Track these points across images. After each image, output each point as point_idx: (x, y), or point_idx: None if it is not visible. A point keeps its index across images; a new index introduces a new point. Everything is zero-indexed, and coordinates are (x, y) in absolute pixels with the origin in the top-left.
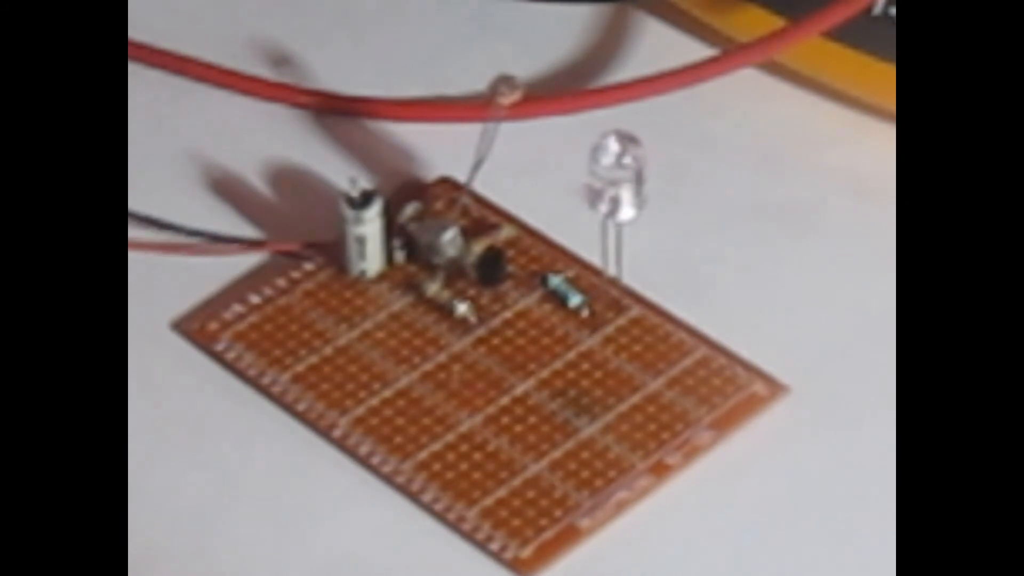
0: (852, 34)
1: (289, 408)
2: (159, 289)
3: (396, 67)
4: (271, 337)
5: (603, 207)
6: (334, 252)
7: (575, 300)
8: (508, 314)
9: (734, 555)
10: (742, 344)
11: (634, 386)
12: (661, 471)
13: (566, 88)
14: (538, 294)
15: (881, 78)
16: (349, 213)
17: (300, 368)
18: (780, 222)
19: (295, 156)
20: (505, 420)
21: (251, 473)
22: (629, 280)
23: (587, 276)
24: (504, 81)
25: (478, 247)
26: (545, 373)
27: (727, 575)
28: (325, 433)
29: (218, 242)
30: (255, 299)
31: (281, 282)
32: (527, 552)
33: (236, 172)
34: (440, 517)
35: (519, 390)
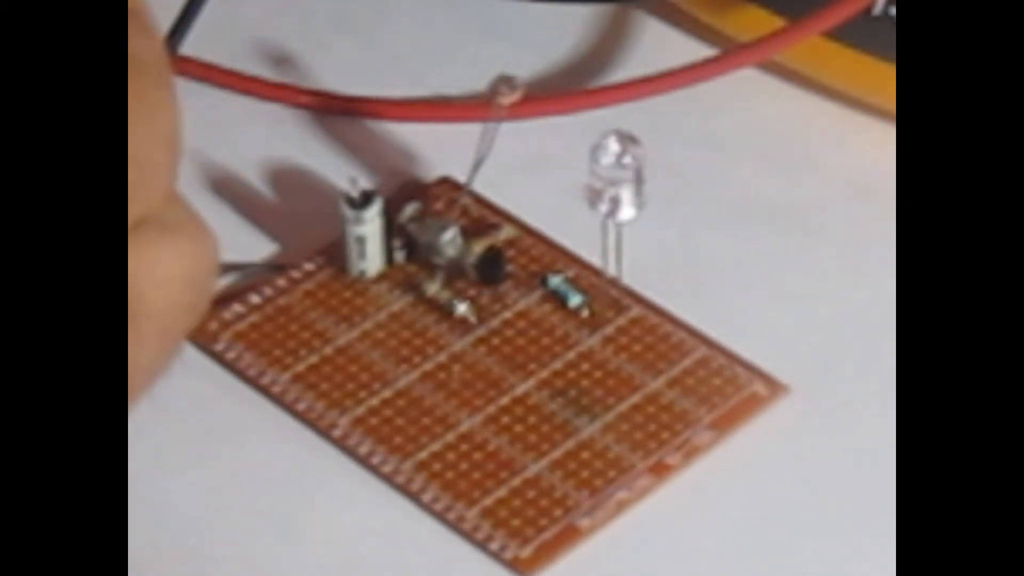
0: (852, 34)
1: (289, 408)
2: None
3: (396, 67)
4: (271, 337)
5: (603, 207)
6: (334, 252)
7: (575, 300)
8: (508, 314)
9: (734, 555)
10: (742, 344)
11: (634, 386)
12: (661, 471)
13: (566, 88)
14: (538, 294)
15: (881, 78)
16: (349, 213)
17: (300, 368)
18: (780, 222)
19: (295, 156)
20: (505, 420)
21: (251, 473)
22: (629, 280)
23: (587, 276)
24: (504, 81)
25: (478, 247)
26: (545, 373)
27: (727, 575)
28: (325, 433)
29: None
30: (255, 299)
31: (281, 282)
32: (527, 552)
33: (236, 172)
34: (440, 517)
35: (519, 390)
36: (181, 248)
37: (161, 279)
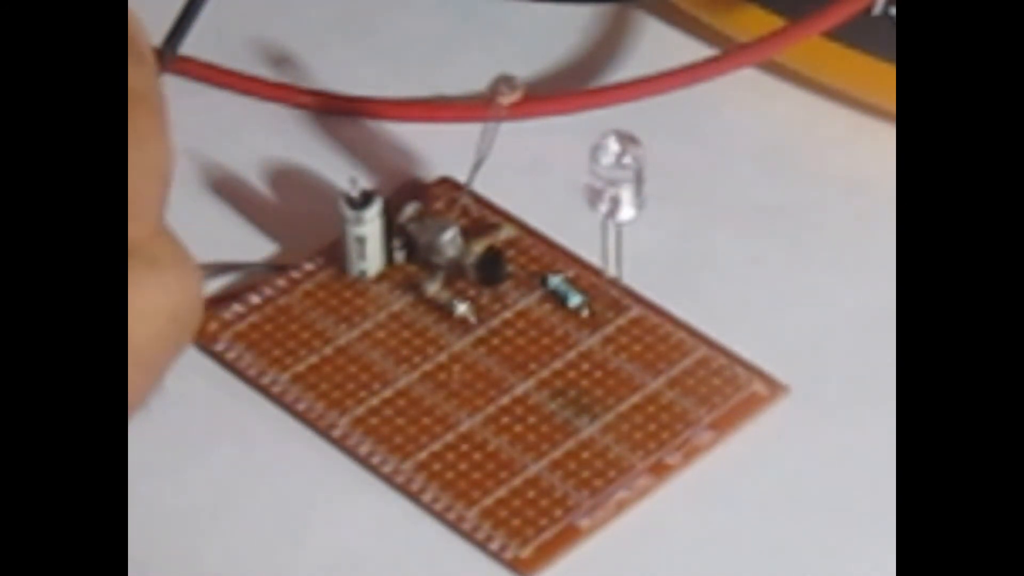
0: (852, 34)
1: (289, 408)
2: None
3: (396, 67)
4: (271, 337)
5: (603, 207)
6: (334, 252)
7: (575, 300)
8: (508, 314)
9: (734, 555)
10: (742, 344)
11: (634, 386)
12: (661, 471)
13: (566, 88)
14: (538, 294)
15: (881, 78)
16: (349, 213)
17: (300, 368)
18: (780, 222)
19: (295, 156)
20: (505, 420)
21: (251, 473)
22: (629, 280)
23: (587, 276)
24: (504, 81)
25: (478, 247)
26: (545, 373)
27: (727, 575)
28: (325, 433)
29: (232, 268)
30: (255, 299)
31: (281, 282)
32: (527, 552)
33: (236, 172)
34: (440, 517)
35: (519, 390)
36: (166, 282)
37: (145, 312)
